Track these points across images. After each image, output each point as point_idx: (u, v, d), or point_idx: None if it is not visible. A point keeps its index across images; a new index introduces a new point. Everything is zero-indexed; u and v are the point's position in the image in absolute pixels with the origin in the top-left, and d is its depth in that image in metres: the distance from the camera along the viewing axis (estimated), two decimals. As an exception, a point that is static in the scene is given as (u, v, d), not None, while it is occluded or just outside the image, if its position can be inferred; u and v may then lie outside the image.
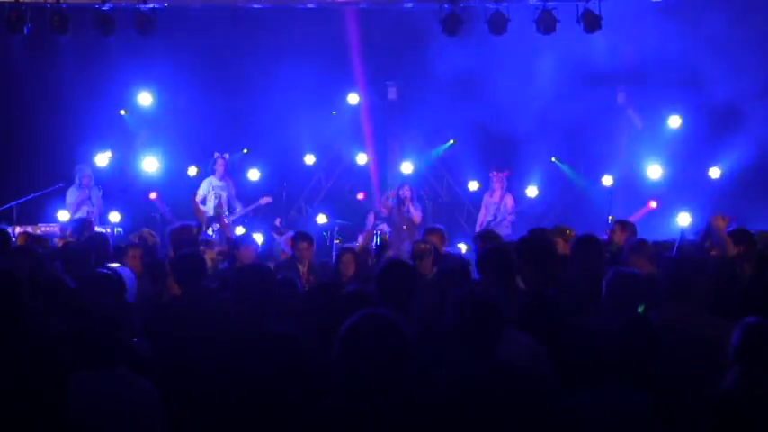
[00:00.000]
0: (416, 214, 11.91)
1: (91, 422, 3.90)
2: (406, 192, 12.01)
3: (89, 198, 12.03)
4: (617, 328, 4.39)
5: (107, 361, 4.03)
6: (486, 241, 7.28)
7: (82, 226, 9.04)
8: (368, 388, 3.29)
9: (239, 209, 12.46)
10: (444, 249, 8.29)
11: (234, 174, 12.95)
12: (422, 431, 3.32)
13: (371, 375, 3.29)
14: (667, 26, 12.05)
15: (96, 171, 13.21)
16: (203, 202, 12.24)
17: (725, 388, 3.96)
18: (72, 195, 12.05)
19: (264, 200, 12.52)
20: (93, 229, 9.53)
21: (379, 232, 11.27)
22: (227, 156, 12.59)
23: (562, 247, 6.79)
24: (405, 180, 12.78)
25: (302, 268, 8.13)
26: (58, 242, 9.26)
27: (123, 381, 4.03)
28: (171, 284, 6.19)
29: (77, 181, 12.14)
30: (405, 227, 11.83)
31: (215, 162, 12.53)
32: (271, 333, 4.37)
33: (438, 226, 9.11)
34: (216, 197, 12.32)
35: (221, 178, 12.41)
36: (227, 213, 11.96)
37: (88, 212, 11.70)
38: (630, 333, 4.33)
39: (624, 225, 8.27)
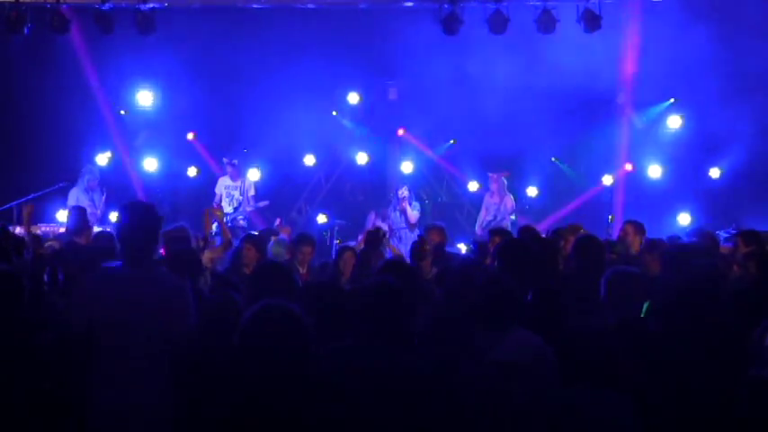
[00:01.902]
0: (413, 214, 12.07)
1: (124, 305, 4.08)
2: (404, 192, 12.11)
3: (92, 200, 12.02)
4: (612, 328, 4.41)
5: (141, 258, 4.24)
6: (500, 236, 7.35)
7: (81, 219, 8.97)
8: (268, 375, 3.38)
9: (247, 208, 12.50)
10: (446, 248, 8.36)
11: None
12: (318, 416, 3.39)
13: (271, 363, 3.38)
14: (667, 25, 12.06)
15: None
16: (219, 201, 12.51)
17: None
18: (73, 197, 12.01)
19: (262, 203, 12.58)
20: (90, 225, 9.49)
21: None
22: (235, 161, 12.64)
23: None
24: (404, 180, 12.83)
25: (302, 270, 8.13)
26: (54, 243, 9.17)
27: (159, 276, 4.27)
28: None
29: (85, 183, 12.10)
30: (402, 226, 11.92)
31: (224, 167, 12.69)
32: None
33: (438, 223, 9.15)
34: (228, 197, 12.50)
35: (233, 179, 12.53)
36: (227, 218, 12.06)
37: (90, 214, 11.70)
38: (623, 334, 4.34)
39: (636, 226, 8.21)
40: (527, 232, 7.31)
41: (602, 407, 3.70)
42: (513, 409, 3.87)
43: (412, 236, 11.60)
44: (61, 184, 12.21)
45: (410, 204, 12.09)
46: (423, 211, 12.77)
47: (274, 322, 3.43)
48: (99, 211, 11.98)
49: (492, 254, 6.60)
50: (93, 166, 12.45)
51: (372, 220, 12.41)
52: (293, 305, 3.54)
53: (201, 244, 7.41)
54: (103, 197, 12.14)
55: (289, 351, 3.40)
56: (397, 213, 12.11)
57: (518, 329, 4.37)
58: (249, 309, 3.50)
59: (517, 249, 5.51)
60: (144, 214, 4.35)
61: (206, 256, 7.30)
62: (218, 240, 8.83)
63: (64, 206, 11.93)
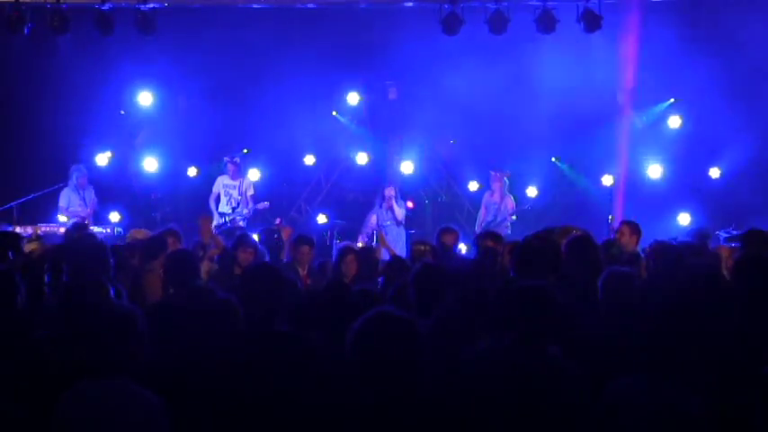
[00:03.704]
0: (399, 212, 12.39)
1: None
2: (390, 192, 12.37)
3: (83, 199, 12.04)
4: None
5: (110, 370, 3.70)
6: (491, 241, 7.34)
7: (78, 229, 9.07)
8: (383, 383, 3.37)
9: (246, 210, 12.48)
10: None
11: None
12: (433, 421, 3.39)
13: (386, 370, 3.38)
14: (668, 25, 12.06)
15: (96, 171, 13.26)
16: (217, 199, 12.55)
17: None
18: (65, 198, 12.06)
19: (261, 204, 12.58)
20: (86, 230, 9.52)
21: (375, 232, 11.58)
22: (237, 159, 12.65)
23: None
24: (398, 181, 12.94)
25: (302, 271, 8.13)
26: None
27: (126, 393, 3.67)
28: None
29: (74, 182, 12.13)
30: (388, 223, 12.22)
31: (225, 165, 12.72)
32: (278, 332, 4.36)
33: (452, 226, 9.20)
34: (227, 196, 12.52)
35: (233, 178, 12.54)
36: (225, 219, 12.15)
37: (81, 212, 11.80)
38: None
39: (632, 227, 8.23)
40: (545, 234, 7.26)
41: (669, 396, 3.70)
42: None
43: (398, 232, 12.20)
44: (61, 184, 12.23)
45: (396, 203, 12.35)
46: (422, 211, 12.83)
47: (389, 329, 3.44)
48: (89, 209, 12.06)
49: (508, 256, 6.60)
50: (80, 165, 12.40)
51: (375, 222, 12.51)
52: (403, 312, 3.57)
53: (201, 253, 7.42)
54: (93, 193, 12.19)
55: (404, 356, 3.41)
56: (384, 211, 12.29)
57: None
58: (363, 316, 3.51)
59: (533, 252, 5.50)
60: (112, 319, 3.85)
61: (203, 268, 7.31)
62: (211, 246, 8.83)
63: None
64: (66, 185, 12.15)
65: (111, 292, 4.80)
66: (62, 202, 12.02)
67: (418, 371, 3.43)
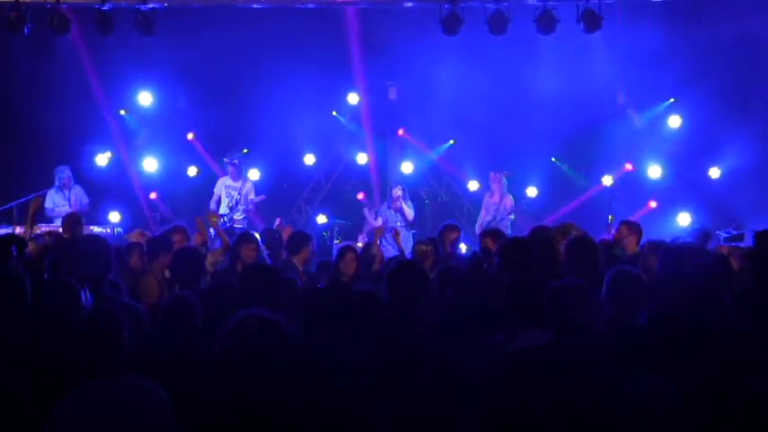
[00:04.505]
0: (409, 212, 12.25)
1: None
2: (398, 192, 12.27)
3: (67, 199, 12.00)
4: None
5: (108, 369, 3.67)
6: (489, 240, 7.34)
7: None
8: (252, 383, 3.42)
9: (242, 206, 12.48)
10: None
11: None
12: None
13: (255, 372, 3.42)
14: (668, 25, 12.07)
15: (96, 171, 13.26)
16: (218, 201, 12.48)
17: None
18: (50, 200, 12.00)
19: (258, 198, 12.56)
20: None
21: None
22: (236, 161, 12.63)
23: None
24: (398, 181, 12.90)
25: (300, 268, 8.13)
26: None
27: (134, 389, 3.59)
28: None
29: (57, 183, 12.08)
30: (398, 224, 12.04)
31: (225, 167, 12.68)
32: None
33: (455, 223, 9.22)
34: (228, 197, 12.48)
35: (234, 180, 12.52)
36: (223, 220, 12.14)
37: (65, 212, 11.77)
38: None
39: (631, 226, 8.22)
40: (538, 232, 7.26)
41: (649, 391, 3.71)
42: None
43: (406, 233, 11.86)
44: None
45: (405, 203, 12.23)
46: (422, 211, 12.81)
47: (254, 334, 3.44)
48: (76, 208, 11.93)
49: (495, 254, 6.60)
50: (63, 166, 12.24)
51: (369, 216, 12.47)
52: (273, 314, 3.56)
53: (204, 251, 7.41)
54: (80, 192, 12.05)
55: (271, 360, 3.43)
56: (392, 212, 12.19)
57: (528, 328, 4.40)
58: (229, 320, 3.49)
59: (520, 249, 5.50)
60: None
61: (208, 261, 7.30)
62: (218, 243, 8.83)
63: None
64: (52, 187, 12.05)
65: (82, 294, 4.75)
66: (48, 204, 11.97)
67: (287, 367, 3.47)
